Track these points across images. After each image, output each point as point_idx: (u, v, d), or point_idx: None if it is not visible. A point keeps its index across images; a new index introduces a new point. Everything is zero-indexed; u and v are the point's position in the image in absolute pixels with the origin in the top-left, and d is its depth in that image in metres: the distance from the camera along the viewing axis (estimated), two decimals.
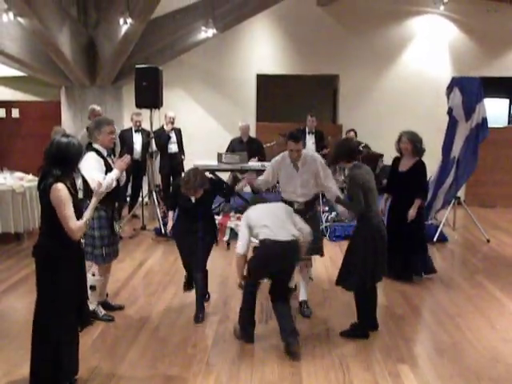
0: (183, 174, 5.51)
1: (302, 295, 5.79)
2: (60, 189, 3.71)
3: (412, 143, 6.57)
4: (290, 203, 5.48)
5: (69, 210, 3.74)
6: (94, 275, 5.38)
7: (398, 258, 6.51)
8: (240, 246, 4.97)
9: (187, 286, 5.90)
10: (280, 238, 4.76)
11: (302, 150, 5.49)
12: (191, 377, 4.34)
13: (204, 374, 4.40)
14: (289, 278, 5.12)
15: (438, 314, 5.75)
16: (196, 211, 5.45)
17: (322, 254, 5.73)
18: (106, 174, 5.09)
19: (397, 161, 6.80)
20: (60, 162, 3.79)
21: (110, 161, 5.29)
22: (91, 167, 5.08)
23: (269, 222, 4.88)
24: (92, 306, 5.33)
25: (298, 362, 4.58)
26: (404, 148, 6.65)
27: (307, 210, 5.56)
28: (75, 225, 3.75)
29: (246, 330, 4.99)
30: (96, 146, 5.24)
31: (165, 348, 4.84)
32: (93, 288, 5.31)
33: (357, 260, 5.00)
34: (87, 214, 3.91)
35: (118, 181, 5.19)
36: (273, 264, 4.80)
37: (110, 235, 5.30)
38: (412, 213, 6.53)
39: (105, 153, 5.27)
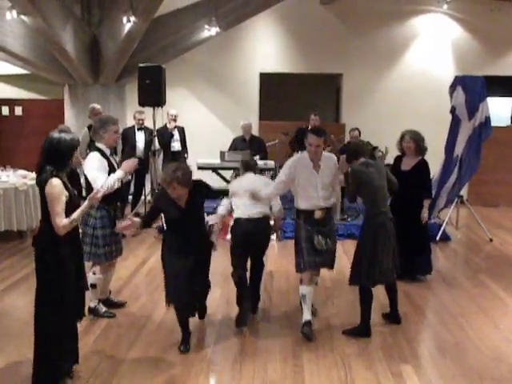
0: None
1: None
2: (54, 185, 3.77)
3: (415, 142, 6.54)
4: (308, 213, 5.11)
5: (58, 206, 3.78)
6: (94, 274, 5.39)
7: (401, 258, 6.47)
8: (221, 208, 5.59)
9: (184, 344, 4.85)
10: (251, 216, 5.33)
11: (322, 147, 5.07)
12: (193, 376, 4.34)
13: (206, 373, 4.41)
14: (262, 252, 5.63)
15: (441, 314, 5.75)
16: (185, 223, 4.72)
17: (332, 267, 5.34)
18: (109, 173, 5.11)
19: (398, 160, 6.76)
20: (52, 158, 3.86)
21: (112, 160, 5.31)
22: (94, 167, 5.10)
23: (242, 201, 5.38)
24: (93, 304, 5.41)
25: (301, 361, 4.58)
26: (407, 147, 6.61)
27: (327, 220, 5.19)
28: (61, 222, 3.79)
29: (242, 314, 5.33)
30: (100, 145, 5.26)
31: (167, 346, 4.84)
32: (93, 286, 5.33)
33: (359, 256, 5.12)
34: (75, 215, 3.89)
35: (121, 181, 5.19)
36: (247, 239, 5.34)
37: (111, 234, 5.30)
38: (425, 214, 6.50)
39: (108, 152, 5.29)
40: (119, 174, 5.12)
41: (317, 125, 10.61)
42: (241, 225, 5.35)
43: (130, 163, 5.20)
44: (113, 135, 5.28)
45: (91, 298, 5.37)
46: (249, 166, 5.77)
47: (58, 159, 3.86)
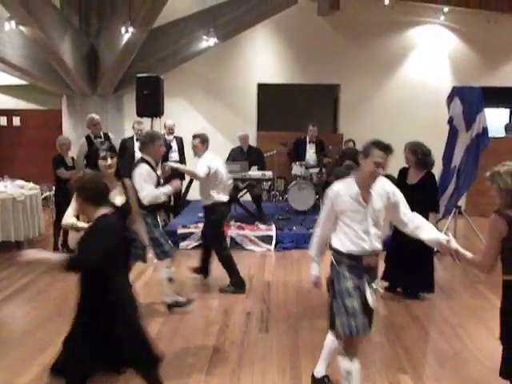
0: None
1: None
2: None
3: (414, 154, 6.31)
4: (354, 259, 3.84)
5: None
6: (168, 267, 5.85)
7: (405, 274, 6.35)
8: (201, 172, 6.38)
9: None
10: (225, 200, 6.62)
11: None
12: None
13: None
14: None
15: (439, 324, 5.74)
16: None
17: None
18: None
19: (404, 172, 6.52)
20: None
21: (158, 171, 5.97)
22: (142, 178, 5.53)
23: (221, 185, 6.51)
24: (170, 298, 5.91)
25: (299, 372, 4.56)
26: (407, 158, 6.42)
27: (376, 267, 4.01)
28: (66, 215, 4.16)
29: (237, 282, 6.53)
30: (147, 158, 5.69)
31: (164, 357, 4.80)
32: (171, 280, 5.87)
33: None
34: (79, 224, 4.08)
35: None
36: (224, 218, 6.78)
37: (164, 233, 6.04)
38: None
39: (153, 164, 5.74)
40: (167, 189, 5.74)
41: (315, 135, 10.69)
42: (224, 206, 6.61)
43: (179, 184, 5.95)
44: (159, 148, 5.80)
45: (168, 292, 5.89)
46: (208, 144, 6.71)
47: None
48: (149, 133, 6.13)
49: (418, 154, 6.32)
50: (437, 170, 8.56)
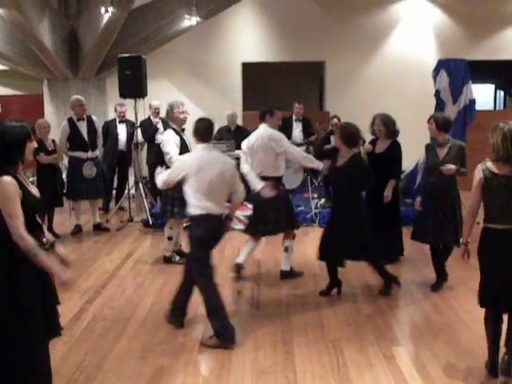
0: None
1: None
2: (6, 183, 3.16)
3: (386, 126, 6.48)
4: None
5: (15, 208, 3.13)
6: (171, 228, 6.68)
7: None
8: None
9: None
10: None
11: None
12: (182, 366, 4.26)
13: (195, 363, 4.32)
14: None
15: (430, 295, 5.70)
16: None
17: None
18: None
19: (373, 143, 6.69)
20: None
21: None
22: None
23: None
24: (168, 254, 6.79)
25: (291, 348, 4.51)
26: (378, 131, 6.56)
27: None
28: (23, 229, 3.11)
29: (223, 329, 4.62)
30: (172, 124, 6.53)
31: (154, 338, 4.74)
32: (170, 239, 6.73)
33: None
34: (43, 257, 3.16)
35: None
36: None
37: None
38: (387, 194, 6.36)
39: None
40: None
41: (301, 113, 10.58)
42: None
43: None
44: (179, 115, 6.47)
45: (168, 249, 6.78)
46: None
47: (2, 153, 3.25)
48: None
49: (389, 125, 6.43)
50: (423, 144, 8.52)
